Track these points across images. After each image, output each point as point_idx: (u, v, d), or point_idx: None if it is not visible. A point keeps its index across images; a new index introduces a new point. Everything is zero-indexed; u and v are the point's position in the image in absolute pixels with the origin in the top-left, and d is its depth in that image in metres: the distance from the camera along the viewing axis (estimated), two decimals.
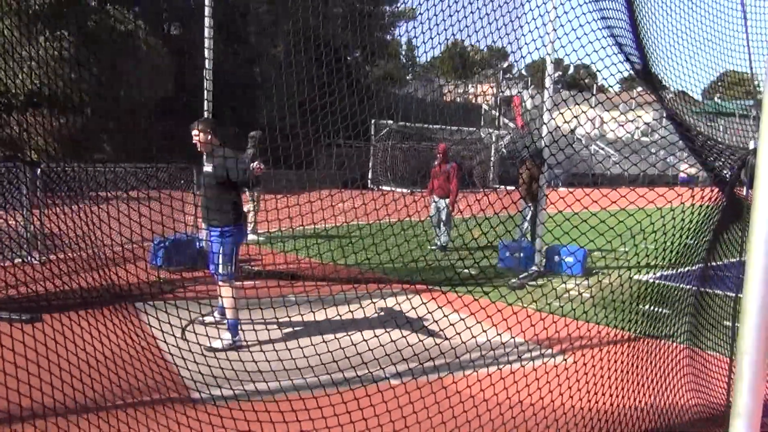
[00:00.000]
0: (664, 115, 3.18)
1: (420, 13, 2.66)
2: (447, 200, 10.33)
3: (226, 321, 4.74)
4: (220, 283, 4.72)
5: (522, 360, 3.27)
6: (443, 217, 10.32)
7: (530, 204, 9.54)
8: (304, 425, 2.78)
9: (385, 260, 7.87)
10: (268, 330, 4.37)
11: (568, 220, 3.23)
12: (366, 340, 2.96)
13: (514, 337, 3.38)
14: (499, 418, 3.08)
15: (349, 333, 3.04)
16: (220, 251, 4.70)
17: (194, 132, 4.92)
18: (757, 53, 3.47)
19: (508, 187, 11.64)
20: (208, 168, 4.89)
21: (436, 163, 10.51)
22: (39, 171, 8.23)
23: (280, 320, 4.65)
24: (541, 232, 8.55)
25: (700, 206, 3.34)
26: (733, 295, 2.98)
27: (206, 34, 7.50)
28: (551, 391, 3.17)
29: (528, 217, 9.57)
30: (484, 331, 3.20)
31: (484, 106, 32.80)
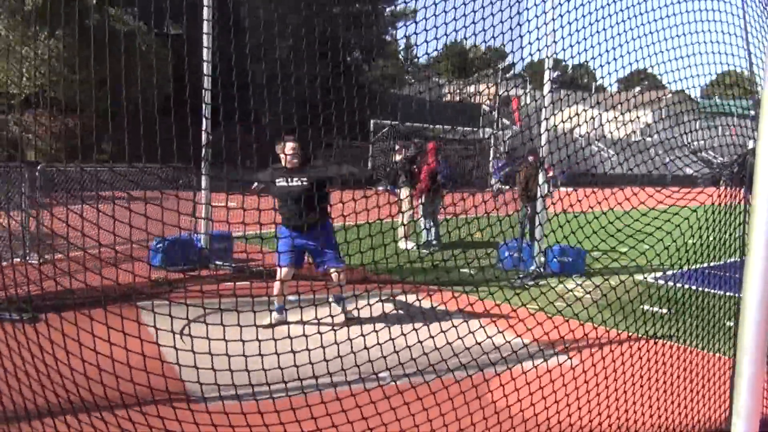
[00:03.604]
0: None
1: (418, 11, 2.66)
2: (437, 198, 10.42)
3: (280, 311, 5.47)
4: (340, 268, 5.62)
5: (522, 361, 3.27)
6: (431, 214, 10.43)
7: (527, 205, 9.55)
8: (305, 425, 2.78)
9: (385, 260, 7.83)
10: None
11: (569, 222, 3.23)
12: (370, 336, 2.97)
13: (519, 338, 3.38)
14: (501, 419, 3.08)
15: (350, 332, 3.04)
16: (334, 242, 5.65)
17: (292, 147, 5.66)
18: (756, 52, 3.47)
19: (508, 187, 11.66)
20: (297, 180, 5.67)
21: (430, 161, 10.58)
22: (38, 171, 8.22)
23: (282, 321, 4.64)
24: (541, 232, 8.55)
25: (701, 207, 3.35)
26: (735, 295, 2.99)
27: (205, 33, 7.50)
28: (549, 393, 3.17)
29: (527, 218, 9.58)
30: (478, 326, 3.20)
31: (484, 107, 32.77)
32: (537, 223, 8.48)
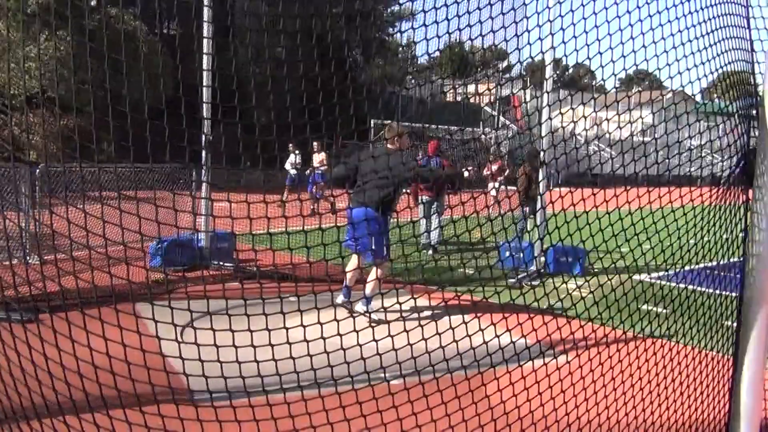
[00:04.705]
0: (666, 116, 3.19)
1: (419, 11, 2.66)
2: (437, 199, 10.40)
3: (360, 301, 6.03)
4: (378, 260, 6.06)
5: (522, 360, 3.27)
6: (433, 215, 10.39)
7: (528, 206, 9.54)
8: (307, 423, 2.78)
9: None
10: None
11: (569, 221, 3.23)
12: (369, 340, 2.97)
13: (519, 337, 3.38)
14: (497, 419, 3.08)
15: (350, 332, 3.03)
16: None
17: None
18: (757, 51, 3.47)
19: (510, 188, 11.65)
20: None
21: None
22: (39, 171, 8.23)
23: (282, 320, 4.62)
24: (541, 233, 8.53)
25: (700, 206, 3.34)
26: (735, 295, 2.98)
27: (206, 34, 7.49)
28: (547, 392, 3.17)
29: (527, 218, 9.57)
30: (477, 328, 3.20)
31: (484, 106, 32.73)
32: (537, 222, 8.48)
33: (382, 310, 3.21)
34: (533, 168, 9.59)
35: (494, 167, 15.58)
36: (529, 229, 9.55)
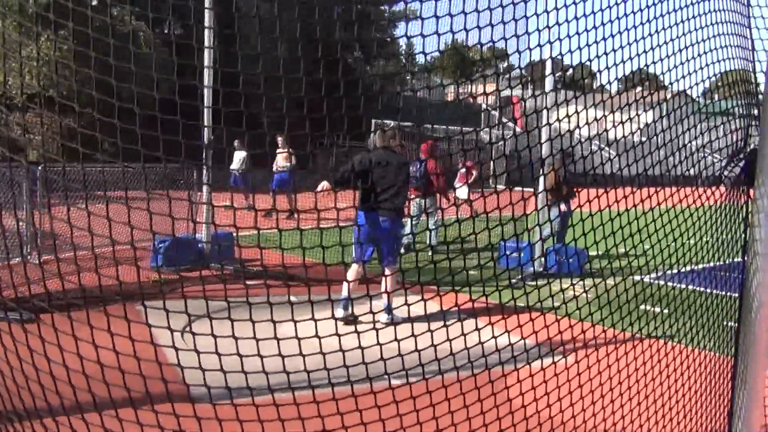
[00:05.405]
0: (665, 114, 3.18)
1: (420, 11, 2.65)
2: (428, 199, 10.39)
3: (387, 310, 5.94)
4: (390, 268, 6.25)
5: (521, 360, 3.26)
6: (430, 216, 10.38)
7: (559, 205, 9.43)
8: (308, 425, 2.78)
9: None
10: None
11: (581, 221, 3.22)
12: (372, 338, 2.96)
13: (519, 338, 3.37)
14: (498, 419, 3.07)
15: (351, 332, 3.03)
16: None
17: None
18: (758, 51, 3.46)
19: (516, 188, 11.54)
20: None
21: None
22: (39, 171, 8.23)
23: (283, 320, 4.62)
24: (544, 233, 8.53)
25: (701, 206, 3.34)
26: (736, 295, 2.98)
27: (206, 35, 7.49)
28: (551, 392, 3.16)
29: (555, 219, 9.48)
30: (473, 327, 3.19)
31: (484, 106, 32.71)
32: (537, 223, 8.47)
33: (405, 305, 3.21)
34: (563, 168, 9.45)
35: (462, 169, 15.57)
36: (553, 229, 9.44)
